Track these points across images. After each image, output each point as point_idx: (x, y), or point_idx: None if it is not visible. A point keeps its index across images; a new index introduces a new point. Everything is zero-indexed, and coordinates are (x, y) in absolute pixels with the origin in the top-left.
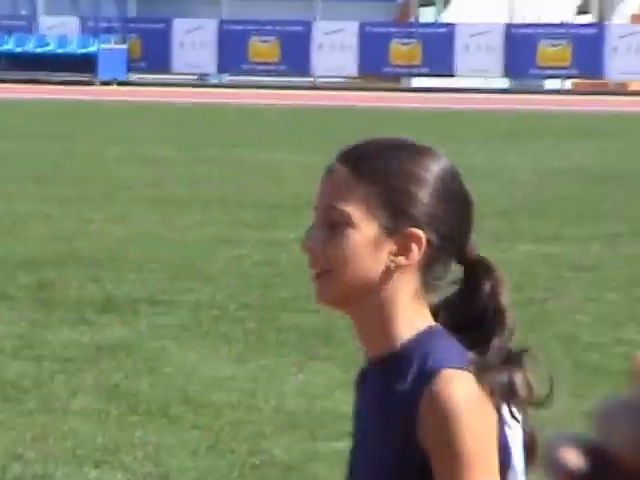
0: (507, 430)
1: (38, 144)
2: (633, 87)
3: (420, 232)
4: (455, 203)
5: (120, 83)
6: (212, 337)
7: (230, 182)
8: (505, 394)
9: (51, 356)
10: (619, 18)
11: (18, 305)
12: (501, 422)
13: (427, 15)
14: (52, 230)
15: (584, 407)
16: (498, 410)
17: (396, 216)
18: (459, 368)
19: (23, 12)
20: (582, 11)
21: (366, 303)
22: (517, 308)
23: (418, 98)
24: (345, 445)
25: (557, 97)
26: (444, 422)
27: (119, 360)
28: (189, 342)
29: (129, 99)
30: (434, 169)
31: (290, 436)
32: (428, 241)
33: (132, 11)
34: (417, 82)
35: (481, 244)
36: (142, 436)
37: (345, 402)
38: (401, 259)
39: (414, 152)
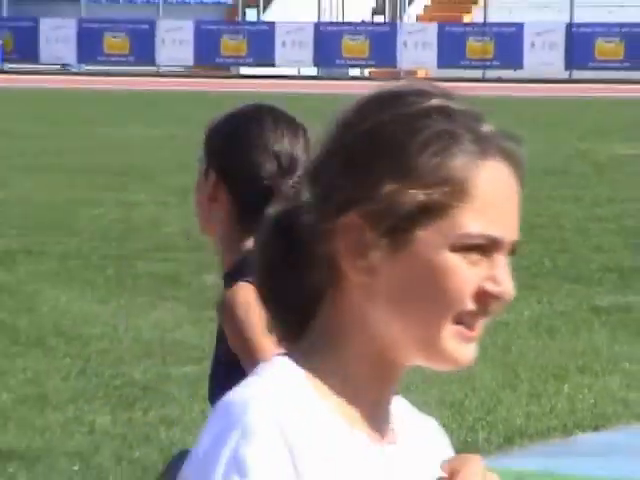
0: None
1: None
2: (420, 74)
3: None
4: None
5: None
6: (79, 281)
7: (89, 153)
8: None
9: None
10: (408, 18)
11: None
12: None
13: (252, 15)
14: None
15: None
16: None
17: None
18: (246, 282)
19: None
20: (377, 12)
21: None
22: None
23: (245, 84)
24: (192, 369)
25: (358, 83)
26: (225, 317)
27: (2, 301)
28: (60, 286)
29: (3, 85)
30: None
31: (146, 362)
32: None
33: (5, 12)
34: (244, 70)
35: None
36: (23, 363)
37: (191, 334)
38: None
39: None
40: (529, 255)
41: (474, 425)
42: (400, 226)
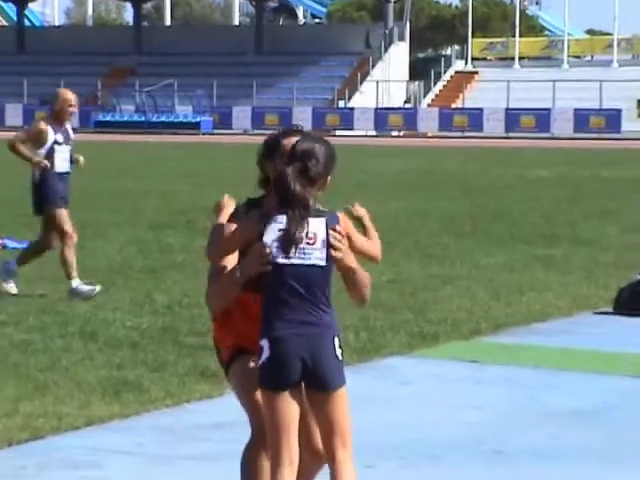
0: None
1: None
2: (430, 134)
3: None
4: None
5: None
6: None
7: None
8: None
9: None
10: (423, 104)
11: None
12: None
13: (342, 103)
14: None
15: None
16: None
17: None
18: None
19: None
20: (407, 101)
21: None
22: None
23: (336, 139)
24: None
25: (398, 139)
26: None
27: None
28: None
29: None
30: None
31: None
32: None
33: (215, 102)
34: (339, 132)
35: None
36: None
37: None
38: None
39: None
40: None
41: None
42: None
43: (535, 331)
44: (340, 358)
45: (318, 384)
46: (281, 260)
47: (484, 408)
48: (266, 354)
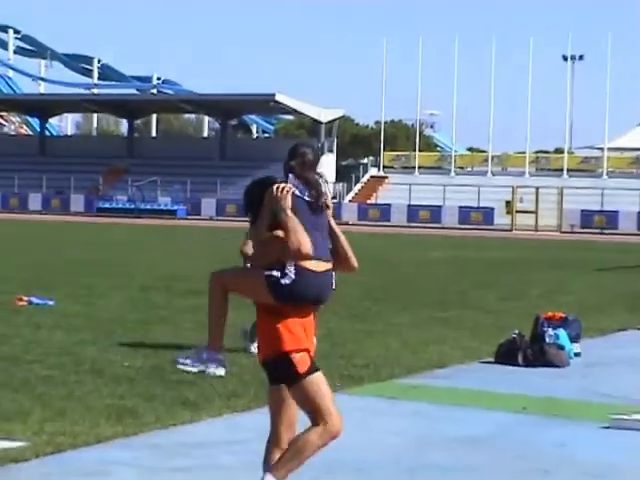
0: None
1: None
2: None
3: None
4: None
5: None
6: None
7: None
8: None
9: None
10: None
11: None
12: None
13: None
14: None
15: None
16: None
17: None
18: None
19: None
20: None
21: None
22: None
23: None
24: None
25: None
26: None
27: None
28: None
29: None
30: None
31: None
32: None
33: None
34: None
35: None
36: None
37: None
38: None
39: None
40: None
41: None
42: None
43: (436, 375)
44: None
45: None
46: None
47: (399, 434)
48: None
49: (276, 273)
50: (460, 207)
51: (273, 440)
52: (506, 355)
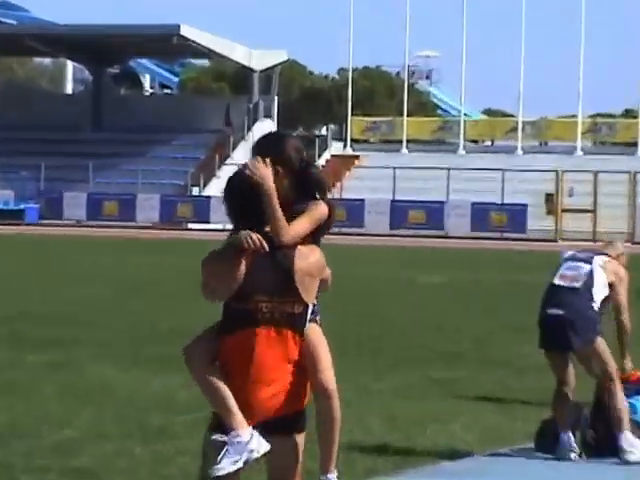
0: None
1: None
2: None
3: None
4: None
5: None
6: None
7: None
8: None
9: None
10: None
11: None
12: None
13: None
14: None
15: None
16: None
17: None
18: None
19: None
20: None
21: None
22: None
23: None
24: None
25: None
26: None
27: None
28: None
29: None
30: None
31: None
32: None
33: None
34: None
35: None
36: None
37: None
38: None
39: None
40: None
41: None
42: None
43: (440, 472)
44: None
45: None
46: None
47: None
48: None
49: None
50: (473, 204)
51: None
52: (554, 439)
